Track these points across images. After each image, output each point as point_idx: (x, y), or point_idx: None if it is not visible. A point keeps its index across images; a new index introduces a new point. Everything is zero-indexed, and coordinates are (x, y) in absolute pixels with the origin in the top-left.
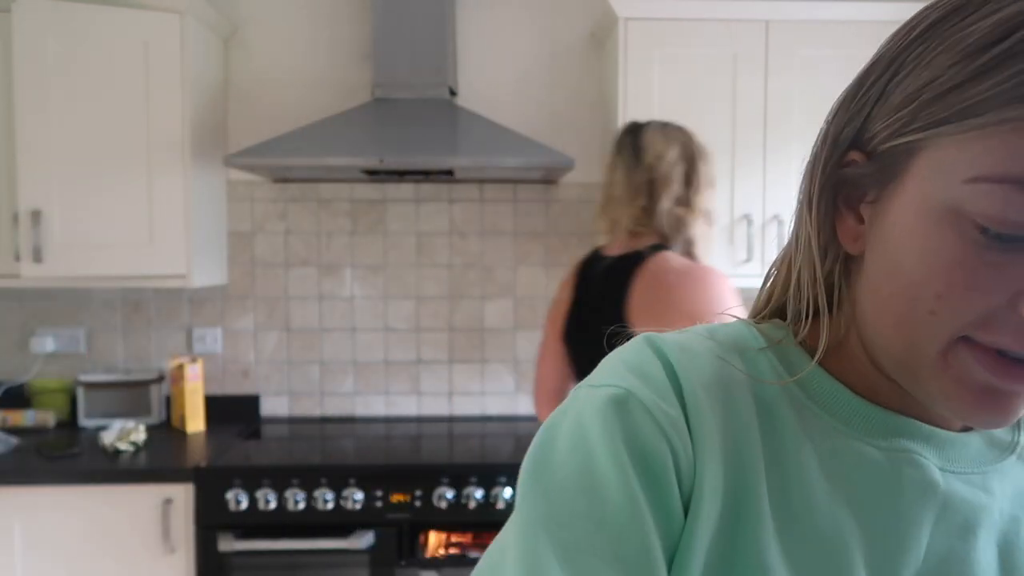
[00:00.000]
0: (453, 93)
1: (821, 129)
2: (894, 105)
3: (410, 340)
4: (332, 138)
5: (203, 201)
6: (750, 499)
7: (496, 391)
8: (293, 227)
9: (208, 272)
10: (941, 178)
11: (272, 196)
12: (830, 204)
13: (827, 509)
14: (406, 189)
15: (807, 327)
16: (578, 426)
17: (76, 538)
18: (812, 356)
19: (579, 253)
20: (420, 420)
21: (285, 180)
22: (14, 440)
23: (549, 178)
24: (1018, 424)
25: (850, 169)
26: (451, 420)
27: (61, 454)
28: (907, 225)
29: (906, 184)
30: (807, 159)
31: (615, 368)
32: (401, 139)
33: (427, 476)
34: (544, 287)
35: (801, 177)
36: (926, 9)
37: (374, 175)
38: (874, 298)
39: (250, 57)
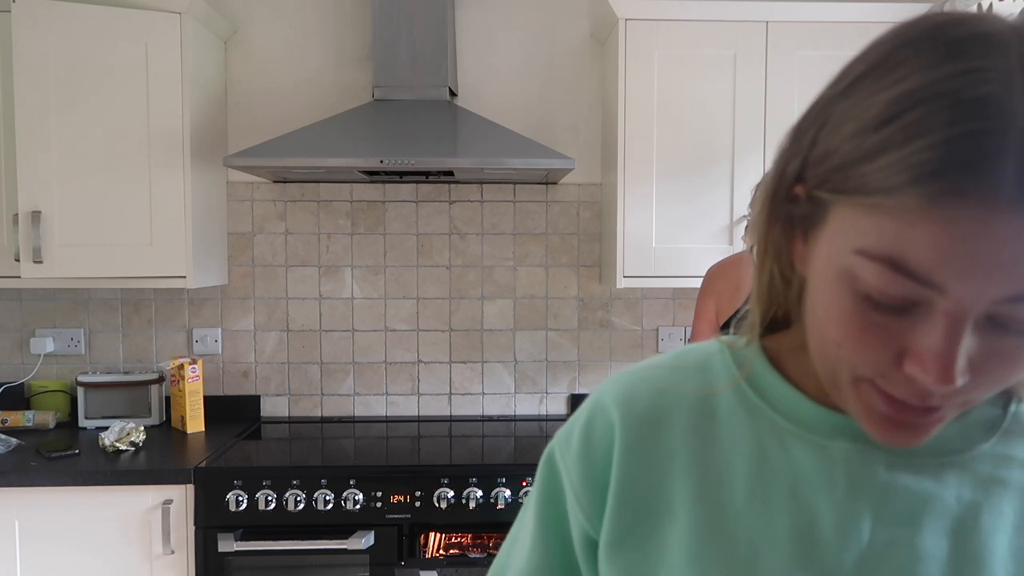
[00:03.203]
0: (453, 94)
1: (775, 156)
2: (817, 157)
3: (410, 340)
4: (332, 139)
5: (203, 202)
6: (666, 504)
7: (496, 391)
8: (293, 227)
9: (208, 273)
10: (841, 240)
11: (272, 197)
12: (786, 227)
13: (756, 498)
14: (406, 190)
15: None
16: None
17: (76, 539)
18: (771, 359)
19: (579, 253)
20: (420, 420)
21: (285, 181)
22: (14, 440)
23: (549, 179)
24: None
25: (793, 206)
26: (451, 420)
27: (61, 454)
28: (820, 271)
29: (823, 233)
30: (763, 181)
31: (569, 421)
32: (401, 140)
33: (427, 476)
34: (544, 287)
35: (755, 197)
36: (857, 59)
37: (374, 176)
38: (807, 318)
39: (250, 57)
